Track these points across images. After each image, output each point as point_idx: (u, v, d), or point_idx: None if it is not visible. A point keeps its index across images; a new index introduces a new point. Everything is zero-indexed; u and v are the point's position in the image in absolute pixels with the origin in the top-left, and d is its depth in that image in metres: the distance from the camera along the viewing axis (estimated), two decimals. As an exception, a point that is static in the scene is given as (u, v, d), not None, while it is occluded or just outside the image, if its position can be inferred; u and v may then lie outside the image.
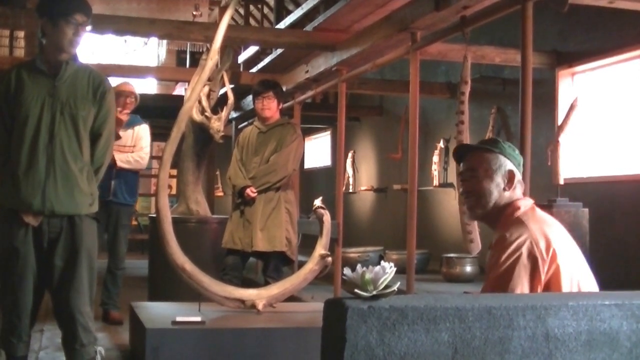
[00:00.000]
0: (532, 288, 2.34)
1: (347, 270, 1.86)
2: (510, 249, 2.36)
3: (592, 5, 4.99)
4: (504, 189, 2.54)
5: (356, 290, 1.82)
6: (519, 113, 4.27)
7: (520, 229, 2.40)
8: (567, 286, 2.36)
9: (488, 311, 1.88)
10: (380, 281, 1.82)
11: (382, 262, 1.88)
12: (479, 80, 7.42)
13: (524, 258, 2.35)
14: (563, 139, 5.66)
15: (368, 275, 1.82)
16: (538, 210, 2.54)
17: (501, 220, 2.52)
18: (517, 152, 2.62)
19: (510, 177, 2.55)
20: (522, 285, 2.33)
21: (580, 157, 6.91)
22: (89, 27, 3.46)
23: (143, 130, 6.06)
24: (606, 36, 6.58)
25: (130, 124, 5.95)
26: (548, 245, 2.37)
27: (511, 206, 2.52)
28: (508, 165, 2.56)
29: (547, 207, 5.36)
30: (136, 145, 5.96)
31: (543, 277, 2.34)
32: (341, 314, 1.77)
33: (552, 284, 2.36)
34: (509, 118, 7.87)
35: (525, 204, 2.54)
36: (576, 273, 2.42)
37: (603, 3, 4.80)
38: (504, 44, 6.95)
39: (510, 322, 1.90)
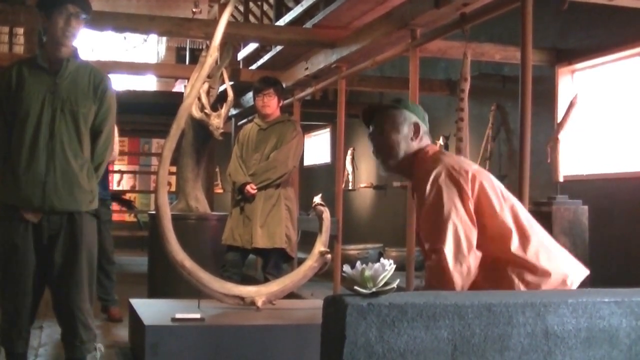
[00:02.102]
0: (465, 206, 2.47)
1: (346, 268, 1.87)
2: (432, 178, 2.53)
3: (591, 3, 4.99)
4: (411, 139, 2.74)
5: (355, 288, 1.82)
6: (518, 110, 4.27)
7: (434, 163, 2.61)
8: (494, 198, 2.54)
9: (487, 308, 1.89)
10: (380, 278, 1.82)
11: (382, 260, 1.88)
12: (479, 78, 7.40)
13: (447, 182, 2.52)
14: (563, 136, 5.65)
15: (367, 273, 1.83)
16: (446, 152, 2.86)
17: (414, 166, 2.72)
18: (420, 108, 2.85)
19: (416, 128, 2.76)
20: (455, 205, 2.46)
21: (580, 154, 6.91)
22: (83, 18, 3.42)
23: None
24: (606, 33, 6.58)
25: None
26: (465, 169, 2.56)
27: (421, 152, 2.74)
28: (413, 118, 2.77)
29: (547, 204, 5.37)
30: None
31: (470, 194, 2.51)
32: (341, 311, 1.77)
33: (482, 199, 2.52)
34: (509, 115, 7.87)
35: (433, 148, 2.77)
36: (498, 185, 2.62)
37: (602, 0, 4.80)
38: (503, 41, 6.95)
39: (509, 319, 1.90)
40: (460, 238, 2.42)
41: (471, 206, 2.48)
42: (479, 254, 2.45)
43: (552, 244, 2.64)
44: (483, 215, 2.50)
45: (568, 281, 2.52)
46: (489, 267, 2.49)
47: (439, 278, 2.40)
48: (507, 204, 2.57)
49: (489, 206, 2.51)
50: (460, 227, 2.43)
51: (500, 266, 2.50)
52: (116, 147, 5.92)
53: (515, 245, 2.50)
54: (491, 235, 2.50)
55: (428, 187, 2.52)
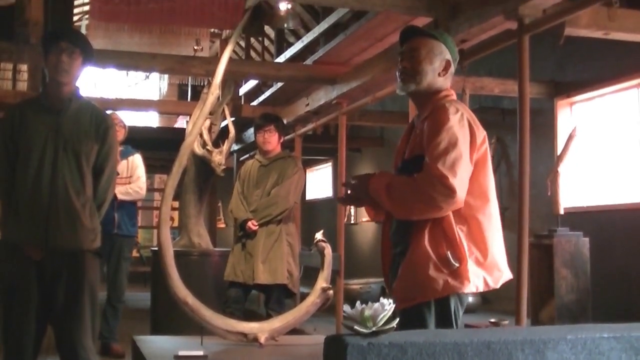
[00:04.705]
0: (470, 155, 2.62)
1: (346, 307, 1.88)
2: (458, 115, 2.63)
3: (588, 36, 5.05)
4: (439, 74, 2.78)
5: (356, 327, 1.83)
6: (518, 143, 4.30)
7: (457, 107, 2.68)
8: (488, 167, 2.70)
9: (487, 346, 1.90)
10: (380, 318, 1.84)
11: (382, 299, 1.90)
12: (479, 111, 7.44)
13: (466, 128, 2.63)
14: (562, 168, 5.68)
15: (367, 312, 1.84)
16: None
17: (432, 101, 2.76)
18: (456, 49, 2.86)
19: (447, 65, 2.80)
20: (465, 150, 2.60)
21: (580, 186, 6.93)
22: (79, 54, 3.44)
23: (137, 160, 6.13)
24: (603, 66, 6.64)
25: (124, 155, 6.00)
26: (479, 128, 2.69)
27: (446, 91, 2.80)
28: (447, 55, 2.80)
29: (548, 237, 5.38)
30: (132, 175, 6.03)
31: (476, 149, 2.63)
32: (341, 350, 1.78)
33: (480, 165, 2.66)
34: (509, 147, 7.91)
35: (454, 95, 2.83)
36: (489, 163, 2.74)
37: (598, 35, 4.86)
38: (502, 73, 7.01)
39: (509, 356, 1.91)
40: (464, 178, 2.58)
41: (473, 158, 2.64)
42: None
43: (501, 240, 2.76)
44: (472, 173, 2.65)
45: (503, 277, 2.72)
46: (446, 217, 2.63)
47: (437, 192, 2.54)
48: (492, 182, 2.73)
49: (481, 169, 2.67)
50: (465, 170, 2.59)
51: (455, 221, 2.62)
52: (143, 186, 6.06)
53: (484, 214, 2.66)
54: (470, 194, 2.64)
55: (452, 118, 2.60)
